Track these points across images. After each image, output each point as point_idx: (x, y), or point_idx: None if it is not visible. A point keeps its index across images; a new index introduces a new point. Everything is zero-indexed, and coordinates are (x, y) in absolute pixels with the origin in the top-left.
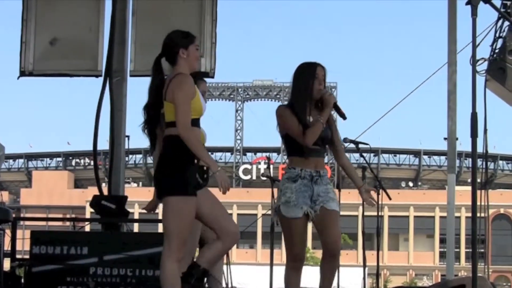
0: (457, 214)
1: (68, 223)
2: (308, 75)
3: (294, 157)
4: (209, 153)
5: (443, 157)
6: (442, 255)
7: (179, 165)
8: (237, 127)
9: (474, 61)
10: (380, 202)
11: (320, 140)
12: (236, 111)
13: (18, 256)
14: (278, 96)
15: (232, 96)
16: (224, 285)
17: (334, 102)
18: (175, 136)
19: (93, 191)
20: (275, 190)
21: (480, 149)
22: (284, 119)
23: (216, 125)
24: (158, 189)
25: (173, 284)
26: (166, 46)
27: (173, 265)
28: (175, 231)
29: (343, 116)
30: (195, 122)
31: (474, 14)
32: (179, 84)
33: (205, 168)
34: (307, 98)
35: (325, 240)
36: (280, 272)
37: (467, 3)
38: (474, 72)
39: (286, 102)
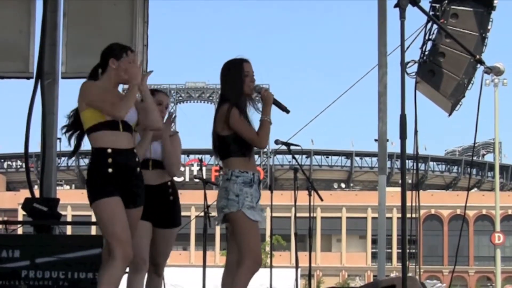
0: (389, 215)
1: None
2: (239, 72)
3: (236, 158)
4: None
5: (374, 159)
6: (374, 256)
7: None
8: None
9: (403, 63)
10: (312, 204)
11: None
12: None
13: None
14: (211, 98)
15: None
16: None
17: (273, 98)
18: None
19: (25, 193)
20: (208, 192)
21: (410, 150)
22: (239, 119)
23: None
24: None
25: None
26: (101, 55)
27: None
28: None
29: (285, 110)
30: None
31: (402, 16)
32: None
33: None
34: (243, 96)
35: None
36: (213, 273)
37: (395, 6)
38: (403, 74)
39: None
